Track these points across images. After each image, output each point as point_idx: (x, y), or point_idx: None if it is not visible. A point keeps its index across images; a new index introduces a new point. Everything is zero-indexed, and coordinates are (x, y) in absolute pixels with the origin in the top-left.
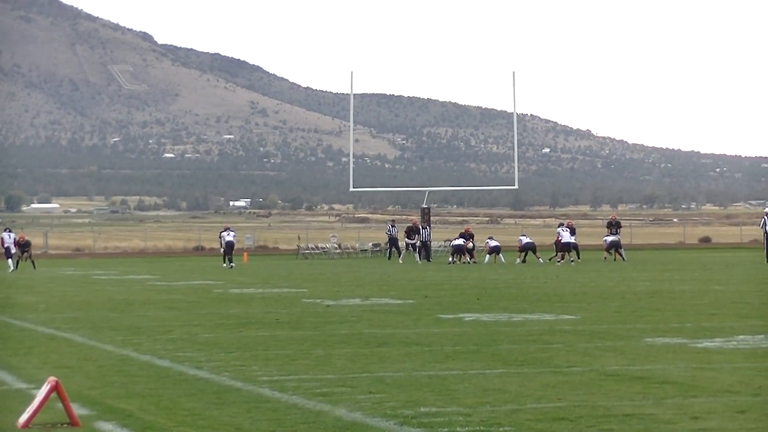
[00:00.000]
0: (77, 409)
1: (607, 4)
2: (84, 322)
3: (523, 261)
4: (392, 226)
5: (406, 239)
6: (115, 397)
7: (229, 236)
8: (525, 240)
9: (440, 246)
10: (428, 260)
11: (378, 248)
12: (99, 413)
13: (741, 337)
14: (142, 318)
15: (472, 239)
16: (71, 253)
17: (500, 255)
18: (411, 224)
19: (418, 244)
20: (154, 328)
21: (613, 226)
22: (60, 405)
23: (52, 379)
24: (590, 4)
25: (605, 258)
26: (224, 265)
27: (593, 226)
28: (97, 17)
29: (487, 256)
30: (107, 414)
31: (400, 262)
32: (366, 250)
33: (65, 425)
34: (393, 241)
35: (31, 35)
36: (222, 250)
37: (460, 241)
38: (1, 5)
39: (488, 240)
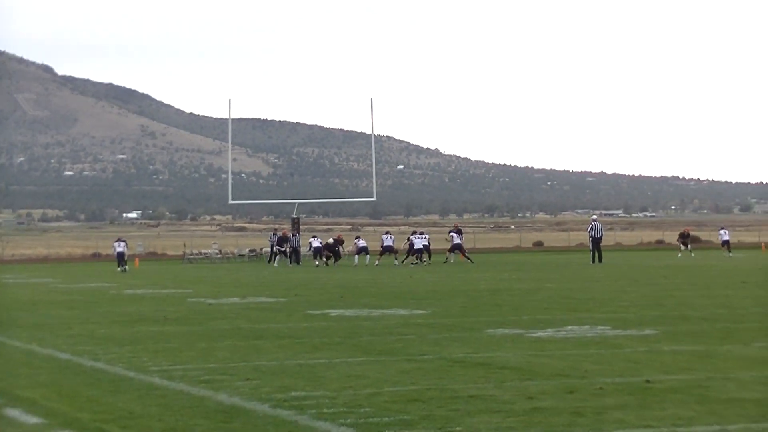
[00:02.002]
0: None
1: (449, 42)
2: None
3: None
4: (274, 234)
5: (277, 247)
6: (21, 387)
7: (119, 247)
8: (387, 241)
9: (309, 251)
10: (298, 263)
11: (254, 253)
12: (6, 401)
13: (569, 327)
14: (45, 316)
15: (342, 245)
16: None
17: (368, 255)
18: (281, 234)
19: (288, 250)
20: (56, 325)
21: (459, 233)
22: None
23: None
24: (436, 40)
25: (447, 259)
26: (118, 269)
27: (442, 233)
28: (3, 51)
29: (356, 256)
30: (14, 402)
31: (276, 266)
32: (243, 255)
33: None
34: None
35: None
36: (116, 257)
37: (317, 243)
38: None
39: (356, 241)
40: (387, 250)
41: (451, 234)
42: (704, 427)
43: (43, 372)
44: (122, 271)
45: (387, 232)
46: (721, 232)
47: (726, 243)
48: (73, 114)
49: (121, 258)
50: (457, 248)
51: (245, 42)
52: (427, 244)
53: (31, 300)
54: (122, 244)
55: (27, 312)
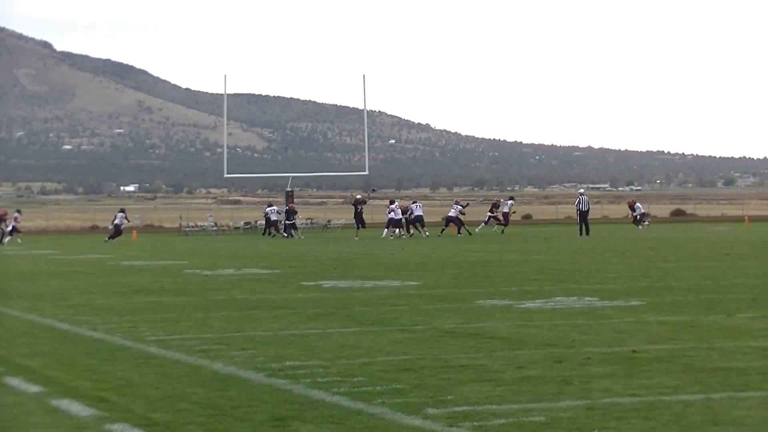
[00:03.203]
0: None
1: (441, 16)
2: None
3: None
4: (268, 206)
5: (286, 220)
6: (22, 355)
7: (117, 219)
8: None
9: (303, 224)
10: (292, 236)
11: (249, 226)
12: (7, 370)
13: (558, 298)
14: (45, 287)
15: (296, 215)
16: None
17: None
18: (288, 207)
19: (296, 222)
20: (56, 296)
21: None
22: None
23: None
24: (427, 17)
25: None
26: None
27: (432, 206)
28: (3, 27)
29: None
30: (15, 370)
31: (285, 236)
32: (239, 227)
33: None
34: (269, 221)
35: None
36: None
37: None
38: None
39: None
40: (417, 220)
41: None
42: (689, 396)
43: (42, 341)
44: (107, 241)
45: (414, 201)
46: (637, 205)
47: (643, 215)
48: (72, 89)
49: (116, 230)
50: (452, 221)
51: (241, 19)
52: (421, 214)
53: (31, 271)
54: (120, 215)
55: (27, 283)
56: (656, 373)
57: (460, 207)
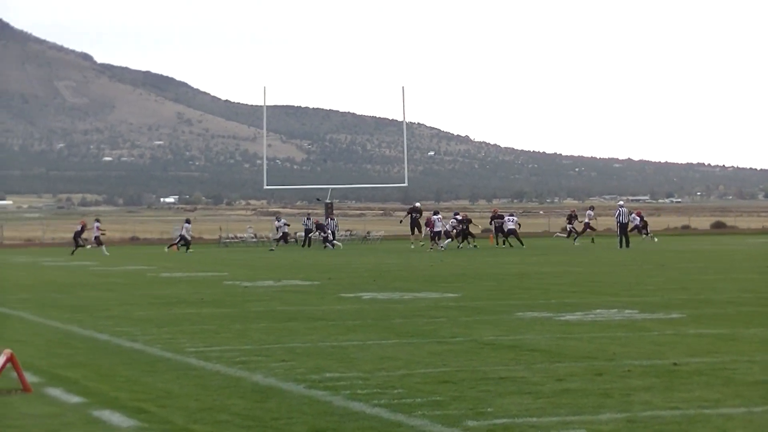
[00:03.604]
0: (29, 377)
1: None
2: (34, 302)
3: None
4: (307, 219)
5: (321, 233)
6: (61, 366)
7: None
8: (508, 222)
9: (342, 236)
10: (332, 247)
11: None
12: (47, 381)
13: (597, 311)
14: (84, 298)
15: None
16: (23, 242)
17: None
18: (315, 221)
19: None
20: (95, 307)
21: (497, 218)
22: (14, 374)
23: (7, 351)
24: (467, 29)
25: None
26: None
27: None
28: (44, 40)
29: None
30: (55, 381)
31: (331, 247)
32: (278, 239)
33: (19, 391)
34: (308, 231)
35: None
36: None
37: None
38: None
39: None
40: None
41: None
42: (730, 409)
43: (82, 352)
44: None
45: (436, 213)
46: (633, 216)
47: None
48: (112, 101)
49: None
50: (512, 233)
51: (280, 31)
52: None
53: (70, 282)
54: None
55: (67, 294)
56: (696, 386)
57: (515, 218)
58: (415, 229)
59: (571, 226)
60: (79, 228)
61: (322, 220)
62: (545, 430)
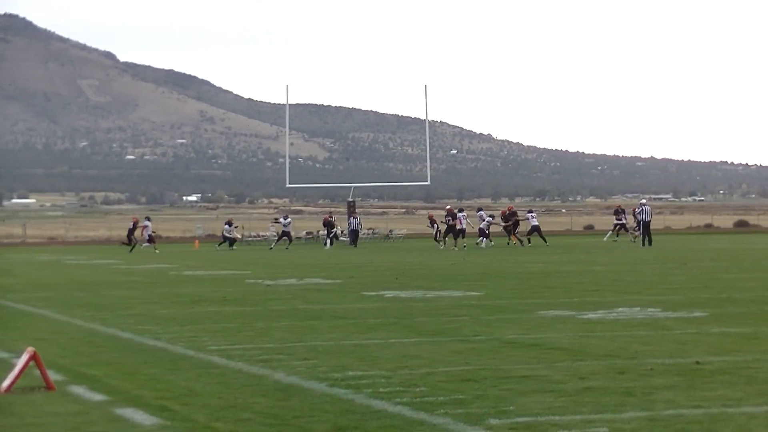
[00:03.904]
0: (52, 375)
1: (505, 28)
2: (57, 300)
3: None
4: (330, 216)
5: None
6: (85, 364)
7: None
8: (533, 221)
9: (364, 234)
10: (354, 245)
11: (310, 236)
12: (71, 379)
13: (620, 309)
14: (107, 297)
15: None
16: (46, 241)
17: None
18: (324, 219)
19: (338, 232)
20: (118, 305)
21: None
22: (37, 372)
23: (30, 349)
24: (489, 27)
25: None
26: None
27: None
28: (67, 38)
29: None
30: (78, 379)
31: (329, 245)
32: (300, 237)
33: (42, 389)
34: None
35: (9, 54)
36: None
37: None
38: None
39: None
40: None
41: (529, 215)
42: (753, 408)
43: (105, 351)
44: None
45: (461, 210)
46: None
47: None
48: (134, 99)
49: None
50: (534, 230)
51: (302, 29)
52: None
53: (93, 281)
54: (227, 227)
55: (89, 292)
56: (719, 384)
57: (534, 213)
58: (450, 234)
59: (618, 221)
60: (131, 225)
61: (336, 218)
62: (567, 428)
